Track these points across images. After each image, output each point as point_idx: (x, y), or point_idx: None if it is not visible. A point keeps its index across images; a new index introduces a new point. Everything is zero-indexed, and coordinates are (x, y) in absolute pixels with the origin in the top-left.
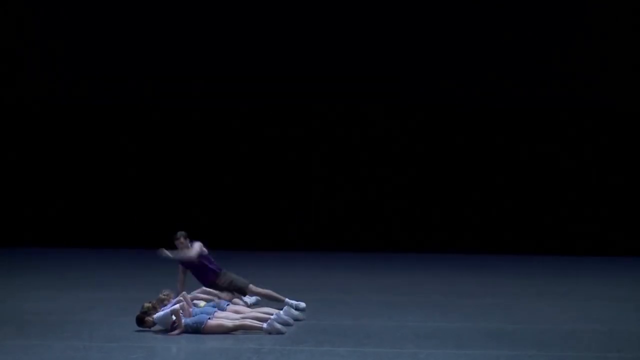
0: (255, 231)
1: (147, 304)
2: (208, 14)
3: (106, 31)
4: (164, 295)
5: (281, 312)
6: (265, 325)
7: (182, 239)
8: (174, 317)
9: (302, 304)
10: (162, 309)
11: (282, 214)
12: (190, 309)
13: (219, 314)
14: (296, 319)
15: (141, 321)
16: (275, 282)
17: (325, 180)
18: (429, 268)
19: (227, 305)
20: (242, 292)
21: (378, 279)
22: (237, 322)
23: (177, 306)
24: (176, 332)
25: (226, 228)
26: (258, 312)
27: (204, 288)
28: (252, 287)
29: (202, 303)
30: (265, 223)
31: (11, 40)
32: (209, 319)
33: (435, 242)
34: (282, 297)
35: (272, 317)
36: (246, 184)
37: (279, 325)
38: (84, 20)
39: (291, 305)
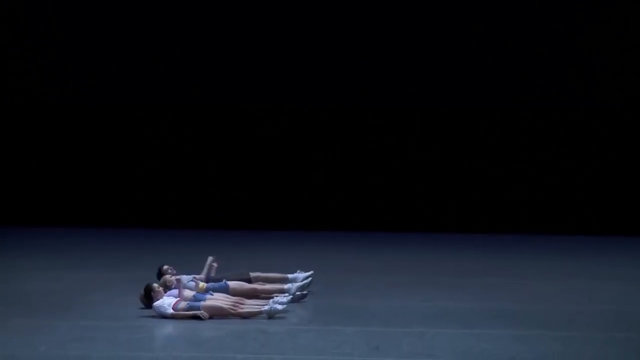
0: (262, 210)
1: (154, 286)
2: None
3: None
4: (169, 278)
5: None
6: (265, 307)
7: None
8: (171, 312)
9: (302, 277)
10: (167, 295)
11: (288, 193)
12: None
13: (217, 295)
14: (302, 294)
15: (149, 293)
16: (281, 262)
17: (331, 160)
18: (435, 248)
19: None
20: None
21: (384, 259)
22: (234, 306)
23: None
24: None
25: (232, 207)
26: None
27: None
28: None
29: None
30: (271, 202)
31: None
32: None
33: (442, 222)
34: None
35: (269, 302)
36: (254, 163)
37: (279, 307)
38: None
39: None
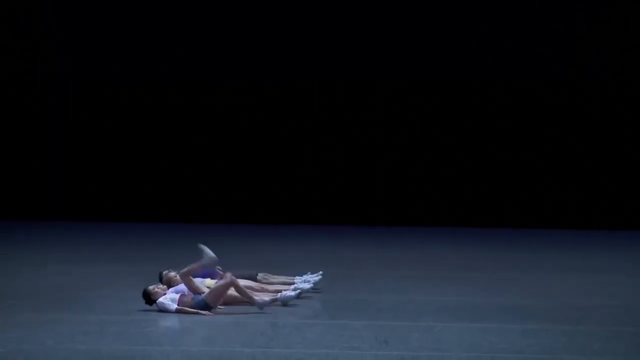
0: (268, 205)
1: (150, 289)
2: None
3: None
4: (173, 277)
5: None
6: (279, 295)
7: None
8: (175, 307)
9: (311, 279)
10: (169, 291)
11: (296, 187)
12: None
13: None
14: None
15: (148, 297)
16: (288, 256)
17: (337, 154)
18: (442, 242)
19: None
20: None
21: (391, 253)
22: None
23: (180, 308)
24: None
25: (240, 202)
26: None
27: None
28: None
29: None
30: (278, 197)
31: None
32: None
33: (449, 216)
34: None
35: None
36: (258, 157)
37: (292, 293)
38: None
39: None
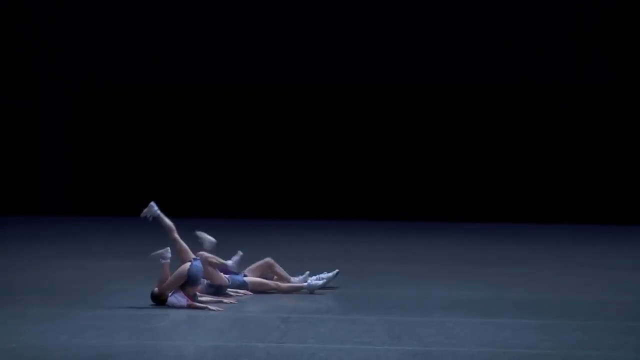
0: (282, 200)
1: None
2: None
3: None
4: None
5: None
6: (305, 284)
7: None
8: (187, 302)
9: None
10: (175, 295)
11: (307, 182)
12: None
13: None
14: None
15: (157, 299)
16: (301, 251)
17: (351, 149)
18: (454, 237)
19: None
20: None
21: (403, 248)
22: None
23: (191, 303)
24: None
25: (252, 197)
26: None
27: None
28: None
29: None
30: (292, 191)
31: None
32: (245, 275)
33: (461, 211)
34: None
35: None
36: (270, 151)
37: (319, 282)
38: None
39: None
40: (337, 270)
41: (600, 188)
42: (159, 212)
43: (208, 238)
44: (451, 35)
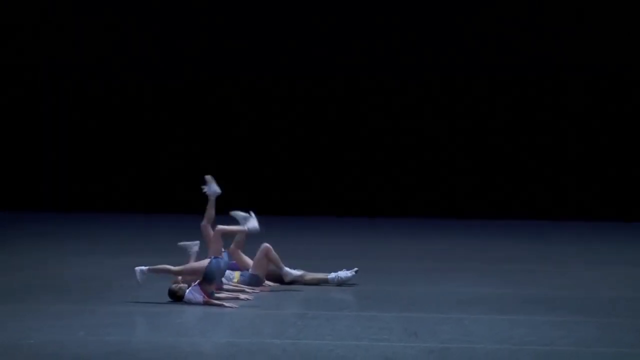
0: (299, 197)
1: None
2: None
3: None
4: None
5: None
6: (330, 276)
7: None
8: (203, 299)
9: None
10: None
11: (324, 180)
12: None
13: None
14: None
15: (174, 295)
16: (318, 248)
17: (366, 147)
18: (472, 235)
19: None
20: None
21: (420, 245)
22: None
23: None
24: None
25: (271, 194)
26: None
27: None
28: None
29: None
30: (309, 189)
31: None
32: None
33: (476, 208)
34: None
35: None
36: (295, 150)
37: (344, 274)
38: None
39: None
40: (356, 268)
41: (618, 186)
42: (217, 193)
43: (240, 214)
44: (450, 31)
